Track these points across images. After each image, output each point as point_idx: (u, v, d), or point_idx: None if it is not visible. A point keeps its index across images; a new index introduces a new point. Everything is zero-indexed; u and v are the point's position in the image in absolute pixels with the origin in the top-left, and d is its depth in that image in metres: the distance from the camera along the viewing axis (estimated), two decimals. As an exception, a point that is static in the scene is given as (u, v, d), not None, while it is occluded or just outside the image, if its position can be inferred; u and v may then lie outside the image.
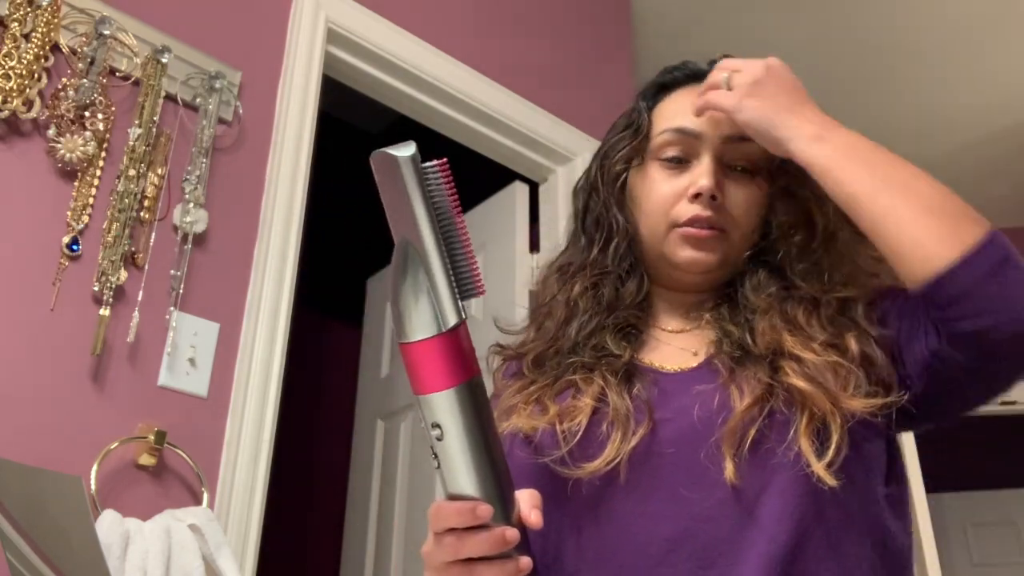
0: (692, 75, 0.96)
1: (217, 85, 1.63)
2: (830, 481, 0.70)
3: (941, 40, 2.88)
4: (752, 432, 0.73)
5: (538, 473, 0.77)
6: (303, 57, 1.82)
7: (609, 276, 0.92)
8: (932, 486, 3.03)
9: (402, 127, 3.06)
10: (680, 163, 0.90)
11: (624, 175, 0.95)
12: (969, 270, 0.72)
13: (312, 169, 1.78)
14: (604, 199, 0.95)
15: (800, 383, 0.74)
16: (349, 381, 2.92)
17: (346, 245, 3.36)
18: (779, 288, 0.86)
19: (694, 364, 0.84)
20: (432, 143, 2.35)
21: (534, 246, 2.32)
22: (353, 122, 3.52)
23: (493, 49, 2.25)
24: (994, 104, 3.17)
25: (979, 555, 4.38)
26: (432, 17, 2.13)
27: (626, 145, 0.95)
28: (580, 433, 0.77)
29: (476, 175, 2.51)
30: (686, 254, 0.88)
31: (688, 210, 0.87)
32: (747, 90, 0.86)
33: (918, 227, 0.75)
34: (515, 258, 2.27)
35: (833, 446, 0.71)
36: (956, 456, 4.41)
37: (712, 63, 0.95)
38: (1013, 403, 3.54)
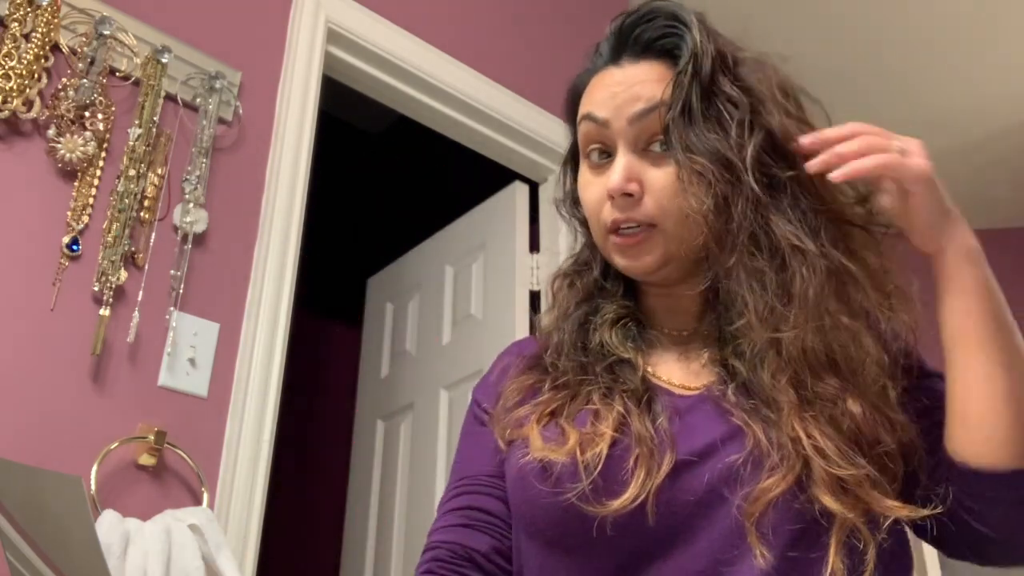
0: (614, 52, 0.84)
1: (217, 85, 1.63)
2: None
3: (940, 39, 2.88)
4: (782, 523, 0.68)
5: (561, 514, 0.73)
6: (303, 57, 1.82)
7: (590, 273, 0.90)
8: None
9: (402, 127, 3.07)
10: (604, 157, 0.82)
11: (574, 180, 0.89)
12: (1016, 484, 0.69)
13: (312, 169, 1.78)
14: (569, 205, 0.93)
15: (831, 502, 0.66)
16: (349, 381, 2.92)
17: (346, 245, 3.36)
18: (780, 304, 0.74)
19: (698, 385, 0.79)
20: (432, 143, 2.36)
21: (534, 246, 2.32)
22: (353, 122, 3.52)
23: (493, 49, 2.25)
24: (994, 104, 3.17)
25: (979, 555, 4.37)
26: (432, 17, 2.13)
27: (570, 146, 0.90)
28: (602, 463, 0.71)
29: (476, 175, 2.51)
30: (622, 263, 0.81)
31: (609, 214, 0.80)
32: (927, 163, 0.73)
33: (1010, 413, 0.70)
34: (515, 258, 2.27)
35: (870, 567, 0.66)
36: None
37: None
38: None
